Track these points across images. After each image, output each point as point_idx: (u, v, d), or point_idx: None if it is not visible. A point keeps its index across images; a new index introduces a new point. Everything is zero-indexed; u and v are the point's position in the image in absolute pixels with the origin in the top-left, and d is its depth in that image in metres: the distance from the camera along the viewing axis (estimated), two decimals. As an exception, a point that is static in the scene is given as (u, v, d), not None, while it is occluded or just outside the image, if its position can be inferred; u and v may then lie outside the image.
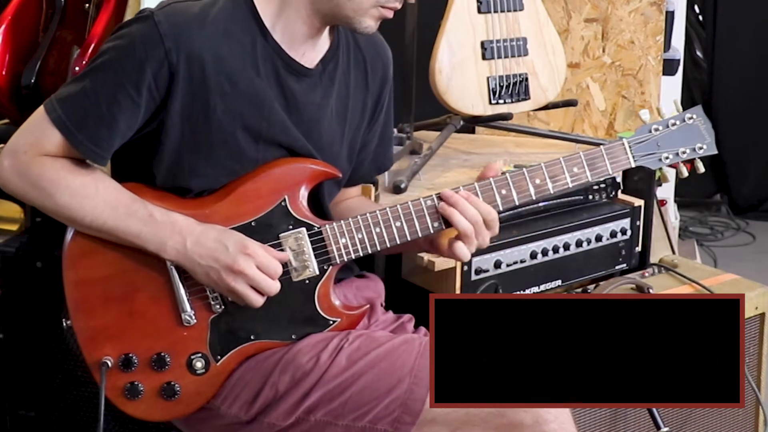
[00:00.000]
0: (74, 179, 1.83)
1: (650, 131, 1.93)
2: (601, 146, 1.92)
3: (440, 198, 1.88)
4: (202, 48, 1.80)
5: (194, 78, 1.81)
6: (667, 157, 1.93)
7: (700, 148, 1.95)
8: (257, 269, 1.82)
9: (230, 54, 1.83)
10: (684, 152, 1.94)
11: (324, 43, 1.94)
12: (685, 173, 1.98)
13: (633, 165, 1.92)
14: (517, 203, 1.90)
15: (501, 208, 1.90)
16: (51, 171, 1.82)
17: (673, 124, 1.93)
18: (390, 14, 1.88)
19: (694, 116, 1.95)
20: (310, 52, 1.92)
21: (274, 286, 1.84)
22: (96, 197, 1.83)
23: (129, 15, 2.49)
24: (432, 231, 1.89)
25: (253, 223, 1.87)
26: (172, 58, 1.79)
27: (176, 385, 1.87)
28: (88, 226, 1.84)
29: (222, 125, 1.85)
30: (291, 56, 1.89)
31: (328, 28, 1.93)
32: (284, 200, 1.89)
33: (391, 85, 2.10)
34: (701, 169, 1.97)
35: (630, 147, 1.92)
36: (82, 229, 1.85)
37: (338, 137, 1.99)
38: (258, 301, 1.84)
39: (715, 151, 1.96)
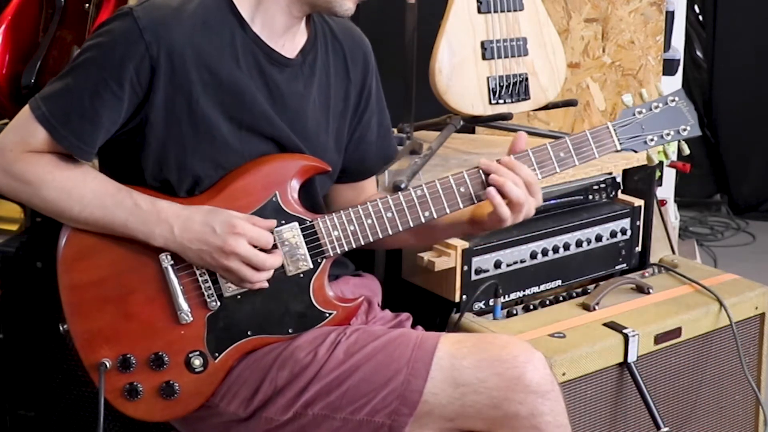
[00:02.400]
0: (60, 173, 1.84)
1: (634, 114, 1.93)
2: (587, 131, 1.92)
3: (483, 173, 1.88)
4: (181, 41, 1.82)
5: (176, 71, 1.83)
6: (652, 140, 1.94)
7: (684, 130, 1.96)
8: (249, 245, 1.83)
9: (210, 46, 1.85)
10: (668, 134, 1.95)
11: (302, 34, 1.96)
12: (655, 159, 1.98)
13: (619, 148, 1.93)
14: None
15: None
16: (37, 166, 1.84)
17: (656, 107, 1.94)
18: None
19: (677, 99, 1.96)
20: (290, 44, 1.94)
21: (268, 260, 1.85)
22: (82, 188, 1.84)
23: (129, 15, 2.49)
24: (423, 220, 1.90)
25: None
26: (153, 52, 1.81)
27: (175, 384, 1.88)
28: (76, 218, 1.85)
29: (205, 117, 1.86)
30: (271, 47, 1.91)
31: (304, 19, 1.94)
32: (275, 196, 1.89)
33: (377, 73, 2.11)
34: (686, 150, 1.98)
35: (615, 131, 1.92)
36: (70, 222, 1.87)
37: (323, 127, 2.00)
38: (254, 276, 1.84)
39: (699, 133, 1.97)
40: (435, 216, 1.91)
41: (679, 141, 1.97)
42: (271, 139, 1.92)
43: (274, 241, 1.87)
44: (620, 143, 1.92)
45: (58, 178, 1.84)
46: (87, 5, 2.55)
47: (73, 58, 1.87)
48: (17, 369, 2.41)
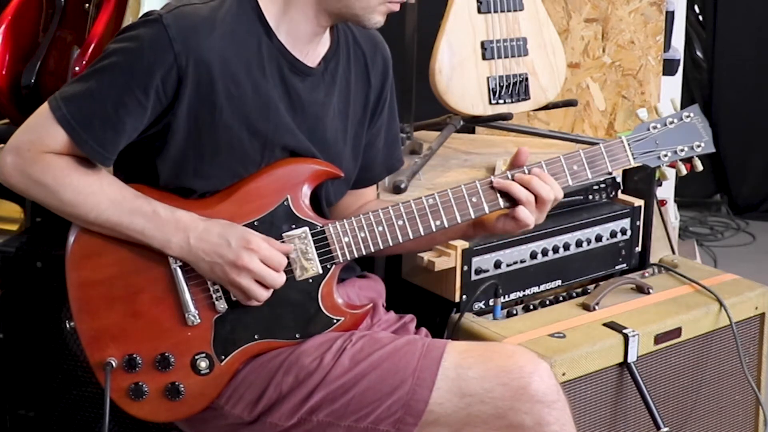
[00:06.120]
0: (78, 176, 1.83)
1: (648, 129, 1.94)
2: (601, 144, 1.93)
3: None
4: (210, 52, 1.80)
5: (202, 81, 1.81)
6: (665, 155, 1.95)
7: (698, 146, 1.97)
8: (261, 263, 1.82)
9: (236, 56, 1.83)
10: (682, 150, 1.95)
11: (325, 41, 1.95)
12: (684, 171, 1.99)
13: (632, 163, 1.93)
14: None
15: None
16: (55, 168, 1.82)
17: (671, 123, 1.95)
18: (397, 7, 1.89)
19: (692, 114, 1.97)
20: (313, 52, 1.93)
21: (279, 279, 1.84)
22: (100, 194, 1.83)
23: (129, 15, 2.49)
24: (434, 229, 1.90)
25: (255, 223, 1.87)
26: (181, 62, 1.79)
27: (180, 386, 1.87)
28: (92, 222, 1.84)
29: (228, 128, 1.85)
30: (295, 56, 1.89)
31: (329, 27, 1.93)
32: (287, 200, 1.89)
33: (392, 81, 2.10)
34: (699, 167, 1.99)
35: (629, 145, 1.93)
36: (85, 225, 1.85)
37: (341, 135, 1.99)
38: (263, 295, 1.84)
39: (713, 150, 1.98)
40: (446, 225, 1.90)
41: (692, 156, 1.98)
42: (290, 151, 1.91)
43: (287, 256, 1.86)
44: (634, 158, 1.93)
45: (75, 182, 1.82)
46: (87, 5, 2.54)
47: (97, 60, 1.84)
48: (17, 369, 2.41)
